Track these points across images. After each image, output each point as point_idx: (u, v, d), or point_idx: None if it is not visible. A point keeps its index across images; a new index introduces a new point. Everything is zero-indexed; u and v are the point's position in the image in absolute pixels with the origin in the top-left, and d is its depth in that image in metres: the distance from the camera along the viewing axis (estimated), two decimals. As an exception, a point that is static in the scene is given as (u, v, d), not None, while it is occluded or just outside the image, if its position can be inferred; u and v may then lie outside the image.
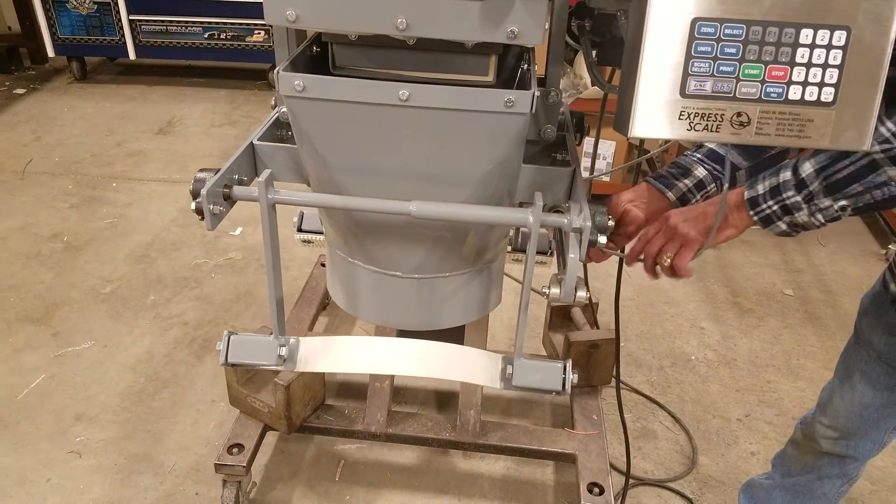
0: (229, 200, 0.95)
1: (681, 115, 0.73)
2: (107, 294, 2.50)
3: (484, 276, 1.15)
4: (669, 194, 1.13)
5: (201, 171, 0.94)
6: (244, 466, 1.65)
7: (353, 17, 0.84)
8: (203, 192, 0.89)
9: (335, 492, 1.80)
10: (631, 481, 1.85)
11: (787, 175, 0.91)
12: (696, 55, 0.72)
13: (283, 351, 1.03)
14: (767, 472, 1.62)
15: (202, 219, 0.92)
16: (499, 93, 0.87)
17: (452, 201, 0.95)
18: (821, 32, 0.71)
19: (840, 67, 0.72)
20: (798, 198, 0.90)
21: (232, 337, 1.03)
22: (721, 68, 0.72)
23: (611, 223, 0.91)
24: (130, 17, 3.91)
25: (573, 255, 0.89)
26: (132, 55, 4.05)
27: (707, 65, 0.72)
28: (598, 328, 1.99)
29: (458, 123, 0.89)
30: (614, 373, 2.14)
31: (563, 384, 1.01)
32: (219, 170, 0.95)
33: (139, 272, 2.62)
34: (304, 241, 1.34)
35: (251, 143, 1.03)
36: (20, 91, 4.20)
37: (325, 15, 0.84)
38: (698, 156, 1.14)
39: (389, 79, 0.90)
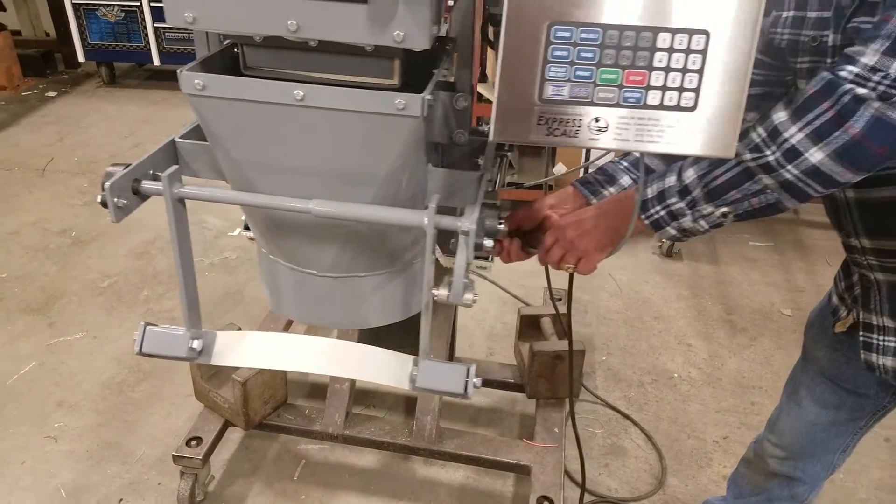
0: (139, 195, 0.99)
1: (539, 120, 0.73)
2: (104, 288, 2.60)
3: (407, 276, 1.16)
4: (594, 201, 1.11)
5: (113, 165, 0.98)
6: (201, 459, 1.68)
7: (246, 18, 0.86)
8: (107, 185, 0.93)
9: (292, 490, 1.82)
10: (591, 499, 1.81)
11: (672, 180, 0.89)
12: (553, 60, 0.71)
13: (196, 344, 1.06)
14: (723, 495, 1.57)
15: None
16: (390, 95, 0.88)
17: (358, 201, 0.97)
18: (679, 36, 0.69)
19: (700, 72, 0.70)
20: (682, 204, 0.88)
21: (147, 328, 1.06)
22: (578, 73, 0.71)
23: (501, 227, 0.91)
24: (155, 25, 4.07)
25: (461, 256, 0.89)
26: (156, 61, 4.21)
27: (564, 70, 0.71)
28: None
29: (353, 124, 0.91)
30: (581, 382, 2.11)
31: (465, 388, 1.01)
32: (129, 164, 0.98)
33: (137, 268, 2.72)
34: (251, 238, 1.36)
35: (172, 139, 1.07)
36: (52, 94, 4.41)
37: (219, 17, 0.87)
38: (624, 164, 1.13)
39: (293, 79, 0.92)
